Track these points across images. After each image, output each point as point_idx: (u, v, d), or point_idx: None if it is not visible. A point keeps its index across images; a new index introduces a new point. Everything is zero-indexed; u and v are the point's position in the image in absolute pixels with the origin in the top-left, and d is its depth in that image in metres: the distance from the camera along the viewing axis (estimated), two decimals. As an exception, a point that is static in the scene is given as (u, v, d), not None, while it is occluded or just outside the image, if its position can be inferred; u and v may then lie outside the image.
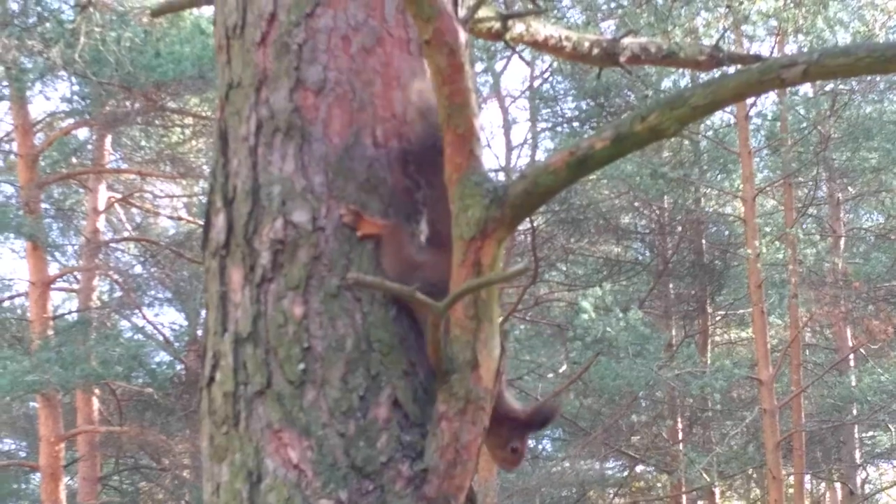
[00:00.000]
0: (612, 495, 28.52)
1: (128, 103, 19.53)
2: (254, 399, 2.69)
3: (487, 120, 26.76)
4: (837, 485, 29.14)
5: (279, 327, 2.72)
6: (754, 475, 30.69)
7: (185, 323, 22.79)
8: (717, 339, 29.50)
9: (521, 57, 20.69)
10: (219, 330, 2.83)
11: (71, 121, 20.44)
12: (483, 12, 5.04)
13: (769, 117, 22.35)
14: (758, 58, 6.36)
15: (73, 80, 18.74)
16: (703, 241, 25.49)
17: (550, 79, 23.39)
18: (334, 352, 2.70)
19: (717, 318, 28.09)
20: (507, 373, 3.00)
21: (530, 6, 6.79)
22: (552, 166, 2.66)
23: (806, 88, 22.32)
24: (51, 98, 37.44)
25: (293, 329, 2.71)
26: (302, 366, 2.68)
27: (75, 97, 19.53)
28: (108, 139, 20.92)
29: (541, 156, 22.47)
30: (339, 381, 2.67)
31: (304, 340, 2.70)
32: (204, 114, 20.65)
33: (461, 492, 2.67)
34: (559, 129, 23.41)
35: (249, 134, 2.89)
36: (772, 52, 19.32)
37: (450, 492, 2.64)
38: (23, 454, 26.51)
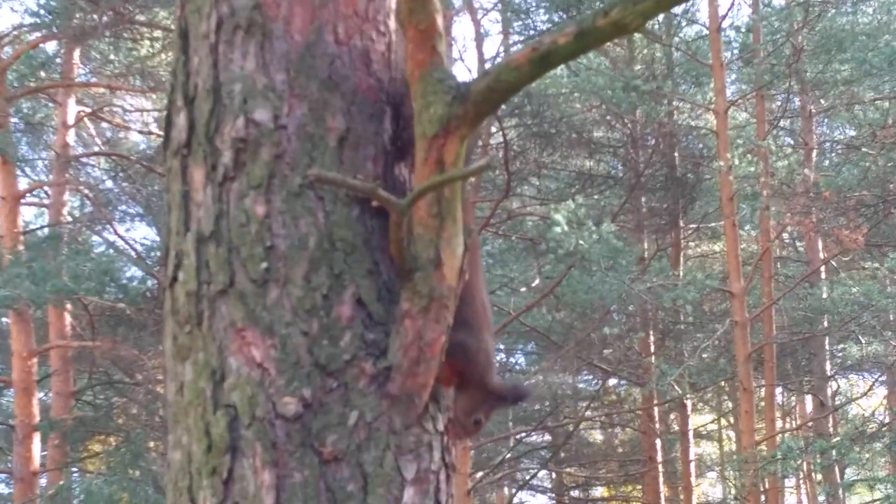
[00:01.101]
0: (584, 408, 28.72)
1: (95, 16, 19.30)
2: (216, 298, 2.68)
3: (460, 33, 26.58)
4: (808, 397, 29.42)
5: (241, 226, 2.70)
6: (726, 387, 30.96)
7: (157, 238, 22.73)
8: (690, 252, 29.63)
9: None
10: (181, 229, 2.81)
11: (38, 34, 20.19)
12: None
13: (742, 29, 22.26)
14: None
15: (40, -8, 18.55)
16: (676, 155, 25.48)
17: (522, -10, 23.23)
18: (297, 251, 2.68)
19: (690, 232, 28.17)
20: (478, 275, 2.99)
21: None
22: (515, 62, 2.63)
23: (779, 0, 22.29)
24: (17, 11, 37.08)
25: (255, 228, 2.69)
26: (265, 265, 2.66)
27: (42, 10, 19.28)
28: (77, 53, 20.70)
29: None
30: (302, 280, 2.66)
31: (267, 239, 2.68)
32: (173, 27, 20.44)
33: (425, 389, 2.67)
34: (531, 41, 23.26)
35: (210, 31, 2.85)
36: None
37: (413, 389, 2.65)
38: (-4, 369, 26.54)
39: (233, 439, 2.56)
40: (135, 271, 21.20)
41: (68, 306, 20.39)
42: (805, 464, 28.17)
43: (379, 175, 2.84)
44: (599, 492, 35.68)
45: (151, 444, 19.94)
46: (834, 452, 19.30)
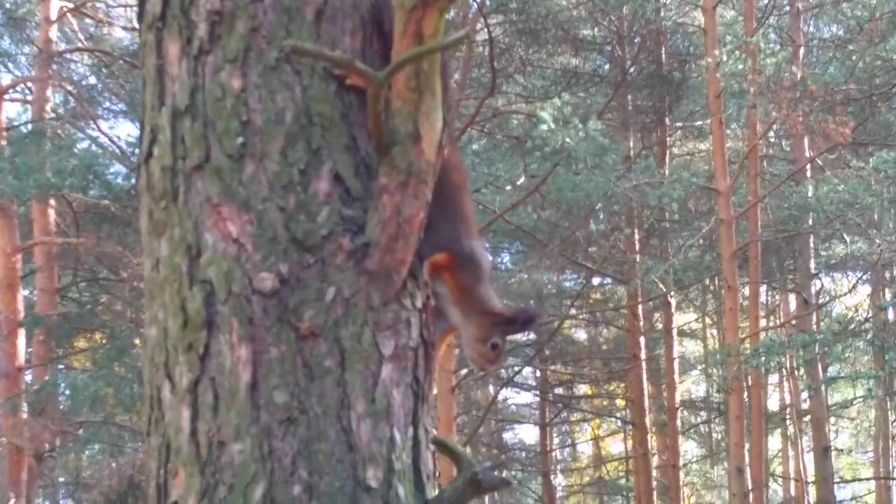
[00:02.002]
0: (568, 306, 28.82)
1: None
2: (192, 173, 2.64)
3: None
4: (792, 295, 29.56)
5: (217, 100, 2.65)
6: (711, 287, 31.13)
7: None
8: (676, 150, 29.56)
9: None
10: (156, 104, 2.77)
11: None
12: None
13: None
14: None
15: None
16: (663, 52, 25.35)
17: None
18: (274, 125, 2.63)
19: (676, 130, 28.14)
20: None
21: None
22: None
23: None
24: None
25: (231, 102, 2.64)
26: (241, 139, 2.62)
27: None
28: (59, -53, 20.44)
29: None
30: (278, 155, 2.62)
31: (243, 114, 2.64)
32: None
33: (403, 266, 2.65)
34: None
35: None
36: None
37: (392, 265, 2.62)
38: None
39: (209, 315, 2.54)
40: (119, 168, 21.15)
41: (52, 203, 20.32)
42: (788, 361, 28.45)
43: (357, 49, 2.79)
44: (583, 389, 35.97)
45: (136, 340, 19.96)
46: (816, 347, 19.41)
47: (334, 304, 2.55)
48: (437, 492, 2.67)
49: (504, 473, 2.80)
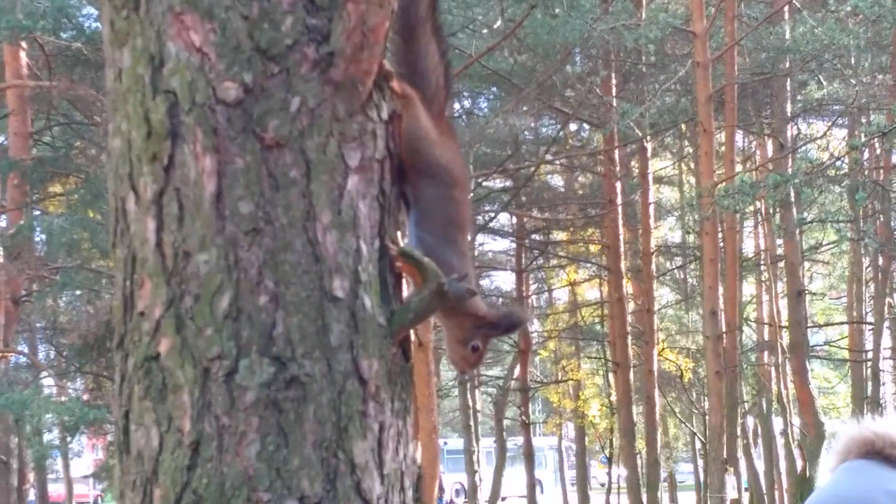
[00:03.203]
0: (544, 152, 28.85)
1: None
2: (153, -18, 2.59)
3: None
4: (769, 141, 29.61)
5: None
6: (687, 133, 31.12)
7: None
8: (654, -7, 29.33)
9: None
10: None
11: None
12: None
13: None
14: None
15: None
16: None
17: None
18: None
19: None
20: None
21: None
22: None
23: None
24: None
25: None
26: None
27: None
28: None
29: None
30: (241, -37, 2.57)
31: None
32: None
33: (368, 76, 2.62)
34: None
35: None
36: None
37: (357, 76, 2.59)
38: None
39: (173, 125, 2.51)
40: (91, 10, 20.89)
41: (24, 46, 20.13)
42: (763, 206, 28.62)
43: None
44: (560, 236, 36.18)
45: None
46: (790, 187, 19.47)
47: (299, 115, 2.53)
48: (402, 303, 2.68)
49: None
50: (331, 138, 2.56)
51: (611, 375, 33.61)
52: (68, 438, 31.24)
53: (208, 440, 2.42)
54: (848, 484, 3.14)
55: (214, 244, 2.47)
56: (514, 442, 43.99)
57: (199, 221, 2.48)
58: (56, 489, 48.22)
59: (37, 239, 21.18)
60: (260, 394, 2.42)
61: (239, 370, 2.43)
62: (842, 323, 38.32)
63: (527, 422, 34.46)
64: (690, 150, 32.62)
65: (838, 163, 21.57)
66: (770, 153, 28.86)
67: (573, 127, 31.37)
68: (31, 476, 24.06)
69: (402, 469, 2.63)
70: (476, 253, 34.97)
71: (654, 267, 30.10)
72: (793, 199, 23.64)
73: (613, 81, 26.68)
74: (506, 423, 40.08)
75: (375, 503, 2.49)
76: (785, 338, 29.87)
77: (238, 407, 2.42)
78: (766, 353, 33.15)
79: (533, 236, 34.62)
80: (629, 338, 29.82)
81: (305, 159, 2.52)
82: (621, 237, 28.86)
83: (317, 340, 2.49)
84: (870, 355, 31.18)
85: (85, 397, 24.01)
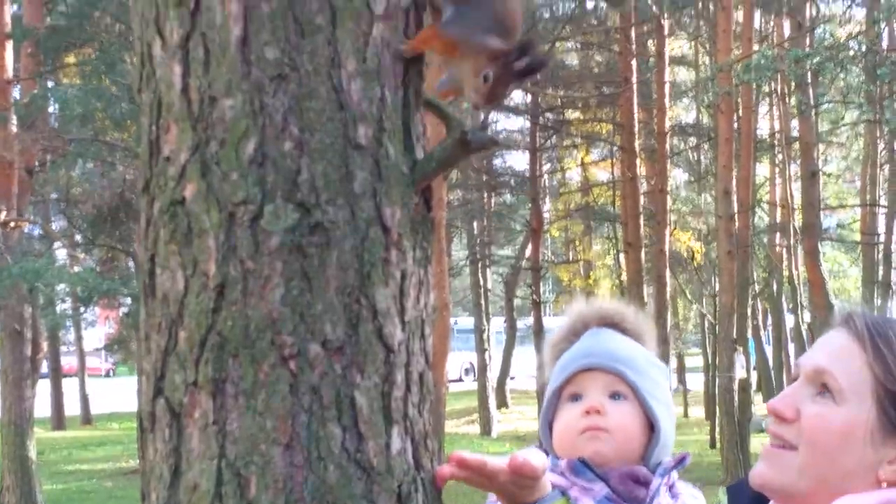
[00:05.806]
0: (561, 28, 28.62)
1: None
2: None
3: None
4: (786, 20, 29.32)
5: None
6: (704, 12, 30.79)
7: None
8: None
9: None
10: None
11: None
12: None
13: None
14: None
15: None
16: None
17: None
18: None
19: None
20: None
21: None
22: None
23: None
24: None
25: None
26: None
27: None
28: None
29: None
30: None
31: None
32: None
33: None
34: None
35: None
36: None
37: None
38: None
39: None
40: None
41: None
42: (779, 86, 28.42)
43: None
44: (576, 114, 35.96)
45: (126, 56, 19.77)
46: (809, 64, 19.28)
47: (325, -39, 2.52)
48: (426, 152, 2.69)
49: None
50: (357, -18, 2.54)
51: (622, 255, 33.62)
52: (81, 309, 31.57)
53: (233, 284, 2.44)
54: None
55: (240, 89, 2.47)
56: (525, 322, 44.20)
57: (225, 66, 2.48)
58: (68, 361, 48.77)
59: (50, 110, 21.15)
60: (284, 239, 2.43)
61: (264, 215, 2.44)
62: (855, 206, 38.23)
63: (537, 301, 34.57)
64: (707, 31, 32.31)
65: (856, 41, 21.27)
66: (787, 33, 28.56)
67: (590, 5, 31.08)
68: (45, 346, 24.25)
69: (423, 317, 2.65)
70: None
71: (668, 147, 29.96)
72: (809, 81, 23.47)
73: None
74: (516, 302, 40.31)
75: (397, 349, 2.51)
76: (797, 220, 29.85)
77: (263, 251, 2.43)
78: (777, 234, 33.19)
79: (548, 114, 34.44)
80: (641, 218, 29.77)
81: (331, 5, 2.51)
82: (636, 116, 28.69)
83: (340, 187, 2.50)
84: (882, 238, 31.22)
85: (98, 269, 24.14)
